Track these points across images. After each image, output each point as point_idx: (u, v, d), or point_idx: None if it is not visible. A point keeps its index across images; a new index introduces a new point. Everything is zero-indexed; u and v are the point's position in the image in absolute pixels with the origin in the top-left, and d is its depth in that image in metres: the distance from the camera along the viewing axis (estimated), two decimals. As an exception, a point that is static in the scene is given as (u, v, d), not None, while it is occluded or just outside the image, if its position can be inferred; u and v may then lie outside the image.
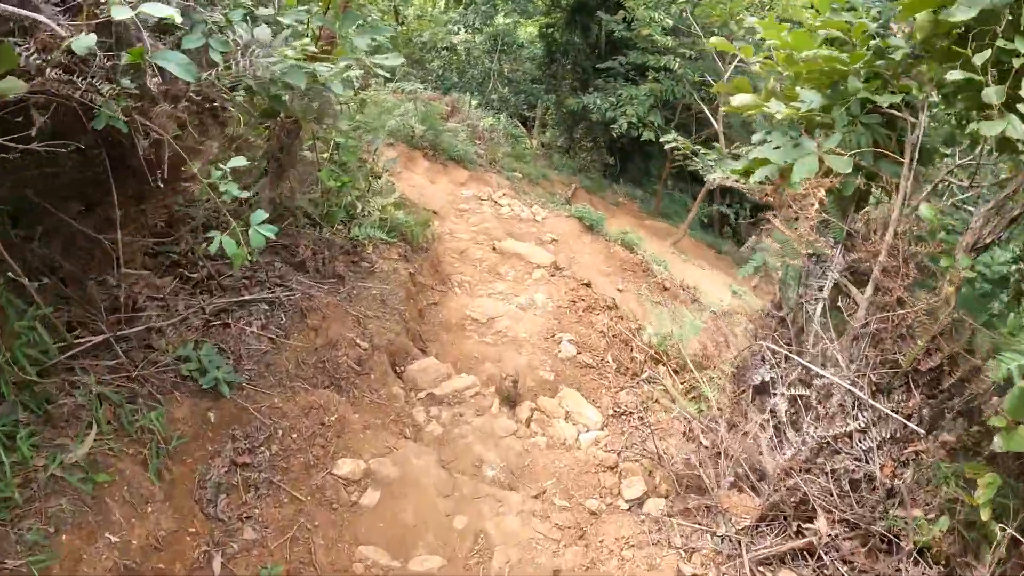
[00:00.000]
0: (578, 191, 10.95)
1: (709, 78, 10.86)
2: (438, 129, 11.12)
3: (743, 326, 4.80)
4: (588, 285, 6.42)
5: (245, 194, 2.75)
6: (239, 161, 2.68)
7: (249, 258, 2.76)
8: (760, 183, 3.34)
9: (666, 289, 8.67)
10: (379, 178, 6.64)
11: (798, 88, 3.34)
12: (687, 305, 8.61)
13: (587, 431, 4.14)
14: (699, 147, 7.79)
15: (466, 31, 15.22)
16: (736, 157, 10.68)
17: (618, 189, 15.94)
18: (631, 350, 5.19)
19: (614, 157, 16.60)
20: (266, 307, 3.73)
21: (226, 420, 3.15)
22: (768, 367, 3.41)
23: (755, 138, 3.49)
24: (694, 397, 4.43)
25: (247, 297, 3.70)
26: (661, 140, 8.72)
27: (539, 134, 16.71)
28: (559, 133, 16.14)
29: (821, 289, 3.19)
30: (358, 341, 3.96)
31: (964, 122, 3.35)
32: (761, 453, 3.29)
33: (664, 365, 4.88)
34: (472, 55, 15.17)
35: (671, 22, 10.95)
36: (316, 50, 3.33)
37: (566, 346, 5.06)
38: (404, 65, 15.66)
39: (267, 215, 2.70)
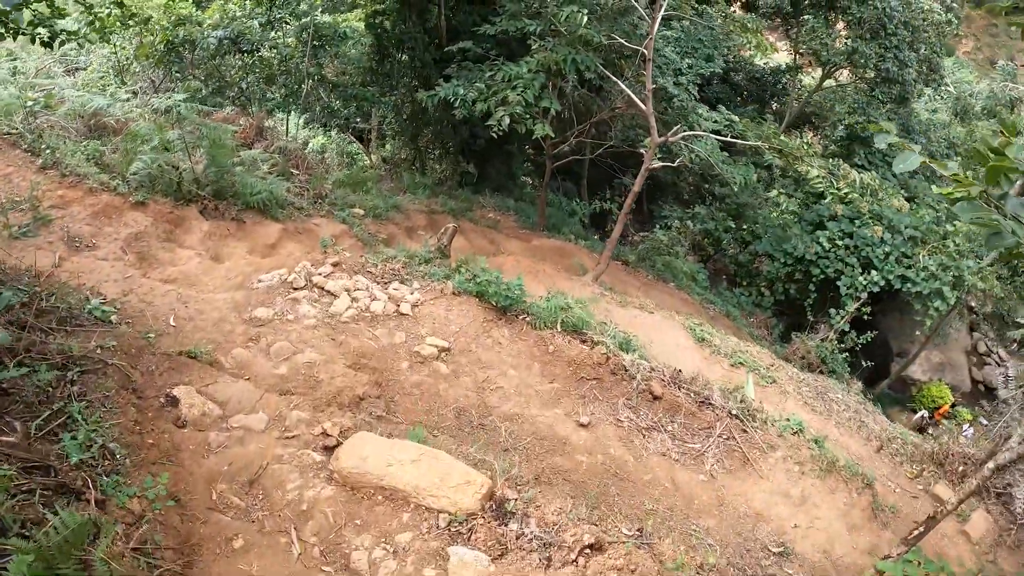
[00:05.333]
0: (455, 231, 6.91)
1: (619, 39, 7.26)
2: (224, 165, 6.58)
3: None
4: (598, 547, 2.46)
5: None
6: None
7: None
8: None
9: (657, 398, 4.95)
10: None
11: None
12: (714, 426, 4.95)
13: None
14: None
15: (272, 29, 10.53)
16: (670, 152, 7.15)
17: (485, 202, 12.15)
18: None
19: (471, 163, 12.76)
20: None
21: None
22: None
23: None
24: None
25: None
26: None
27: (378, 148, 12.38)
28: (401, 144, 11.99)
29: None
30: None
31: None
32: None
33: None
34: (285, 58, 10.57)
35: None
36: None
37: None
38: (203, 88, 10.58)
39: None
